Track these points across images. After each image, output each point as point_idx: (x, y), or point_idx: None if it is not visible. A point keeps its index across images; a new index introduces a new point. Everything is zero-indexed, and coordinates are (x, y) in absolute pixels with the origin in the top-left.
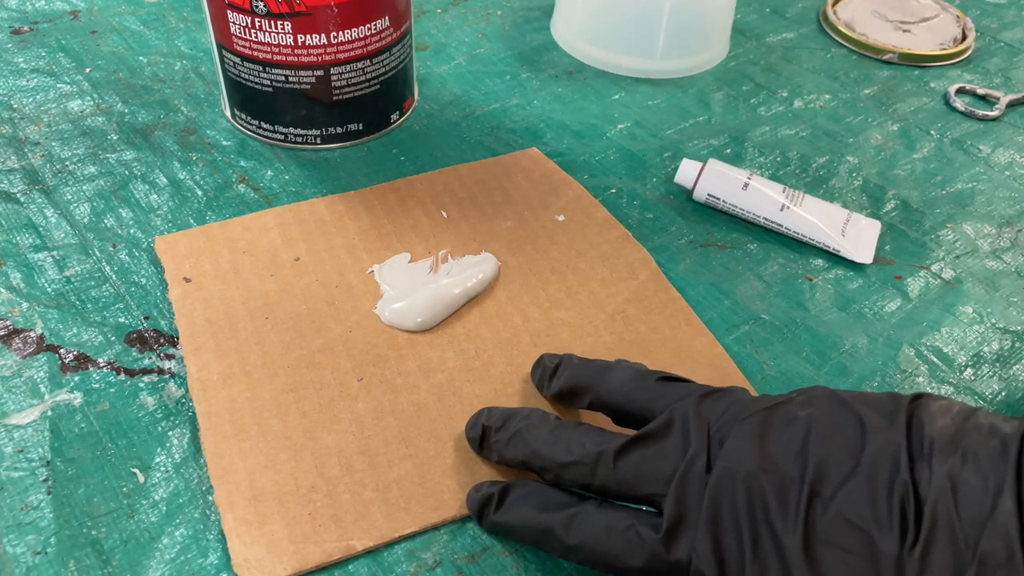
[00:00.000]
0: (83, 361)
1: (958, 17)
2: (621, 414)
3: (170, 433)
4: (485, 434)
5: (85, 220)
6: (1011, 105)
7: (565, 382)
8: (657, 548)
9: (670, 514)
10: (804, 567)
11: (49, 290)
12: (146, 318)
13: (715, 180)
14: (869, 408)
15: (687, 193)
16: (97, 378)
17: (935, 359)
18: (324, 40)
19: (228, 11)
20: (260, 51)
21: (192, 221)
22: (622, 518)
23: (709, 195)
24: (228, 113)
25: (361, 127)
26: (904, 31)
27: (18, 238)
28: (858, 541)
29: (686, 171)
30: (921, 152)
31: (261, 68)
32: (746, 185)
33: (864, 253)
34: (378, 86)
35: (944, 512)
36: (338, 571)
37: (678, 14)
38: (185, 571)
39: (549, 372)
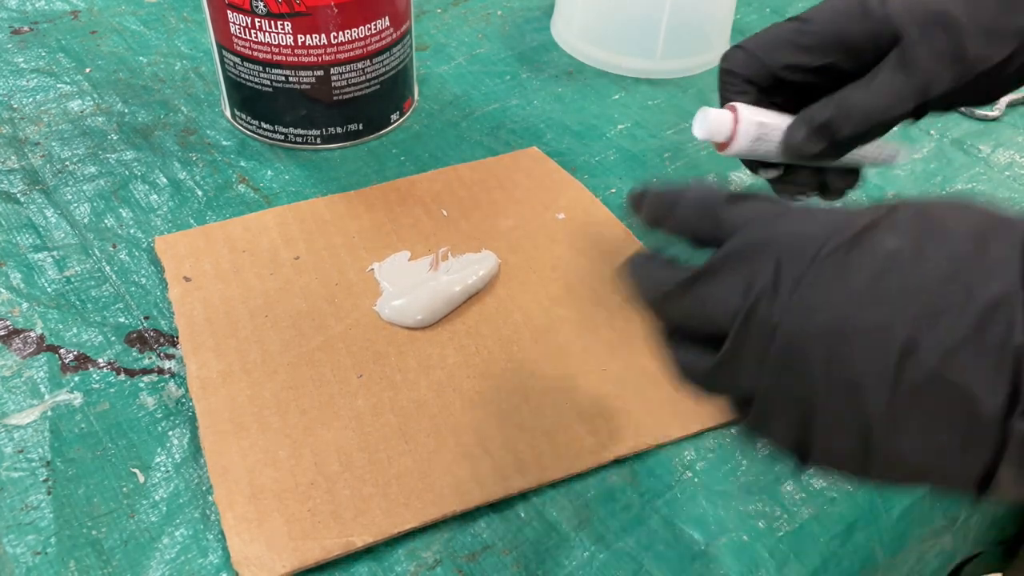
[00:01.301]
0: (83, 361)
1: None
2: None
3: (170, 433)
4: None
5: (85, 220)
6: (1011, 105)
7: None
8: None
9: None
10: (889, 428)
11: (49, 290)
12: (146, 318)
13: (757, 123)
14: (973, 245)
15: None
16: (97, 378)
17: None
18: (324, 40)
19: (228, 11)
20: (260, 51)
21: (192, 221)
22: None
23: (756, 139)
24: (228, 113)
25: (361, 127)
26: None
27: (18, 238)
28: (957, 402)
29: (714, 121)
30: (921, 152)
31: (261, 68)
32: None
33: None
34: (378, 86)
35: None
36: (338, 571)
37: (678, 14)
38: (185, 571)
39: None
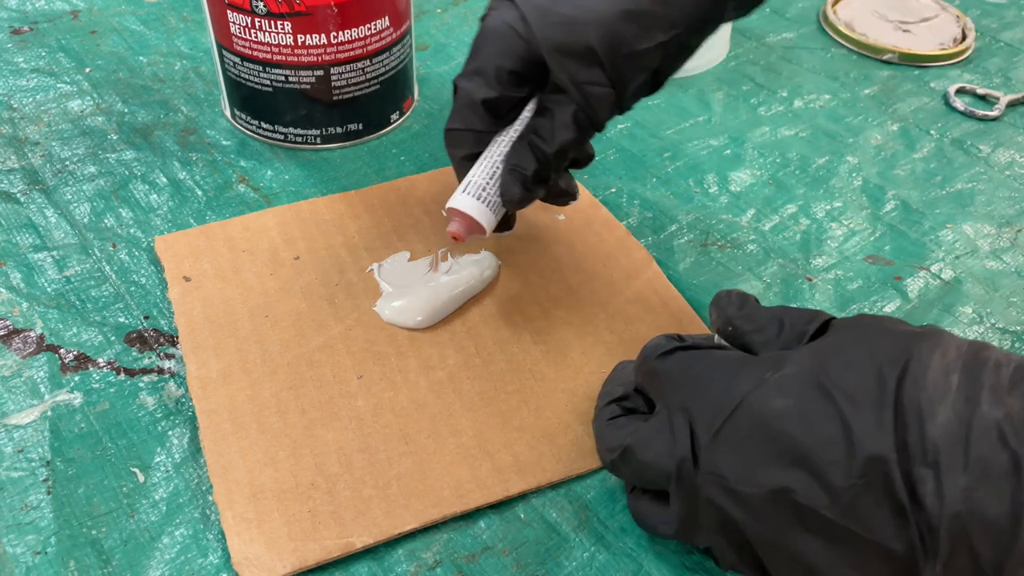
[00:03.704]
0: (83, 361)
1: (958, 17)
2: None
3: (170, 433)
4: None
5: (85, 220)
6: (1011, 105)
7: None
8: None
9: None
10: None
11: (49, 290)
12: (146, 318)
13: (479, 209)
14: (851, 399)
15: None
16: (97, 378)
17: None
18: (324, 40)
19: (228, 11)
20: (260, 51)
21: (192, 221)
22: None
23: (491, 210)
24: (228, 113)
25: (361, 127)
26: (904, 31)
27: (18, 238)
28: (871, 552)
29: (469, 227)
30: (921, 152)
31: (261, 68)
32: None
33: None
34: (378, 86)
35: (962, 537)
36: (338, 571)
37: None
38: (185, 571)
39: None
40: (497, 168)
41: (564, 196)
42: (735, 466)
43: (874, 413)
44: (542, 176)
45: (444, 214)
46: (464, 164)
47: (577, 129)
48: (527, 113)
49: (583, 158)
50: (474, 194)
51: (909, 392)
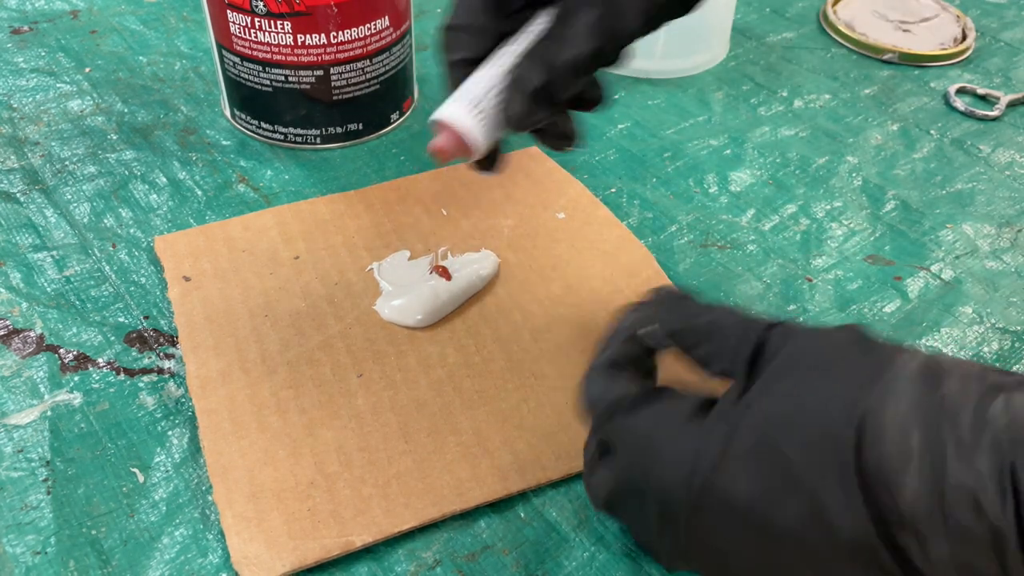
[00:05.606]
0: (83, 361)
1: (958, 17)
2: None
3: (170, 433)
4: None
5: (85, 220)
6: (1011, 105)
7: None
8: None
9: None
10: None
11: (49, 290)
12: (146, 317)
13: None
14: (815, 471)
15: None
16: (97, 378)
17: None
18: (324, 40)
19: (228, 11)
20: (260, 51)
21: (192, 221)
22: None
23: (485, 129)
24: (228, 113)
25: (361, 127)
26: (904, 31)
27: (18, 238)
28: None
29: (454, 145)
30: (921, 152)
31: (261, 68)
32: None
33: None
34: (378, 86)
35: None
36: (338, 571)
37: None
38: (185, 571)
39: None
40: (497, 81)
41: (563, 140)
42: (712, 554)
43: (841, 488)
44: (550, 92)
45: (429, 126)
46: (457, 70)
47: (596, 40)
48: (537, 26)
49: (591, 98)
50: (467, 105)
51: (870, 459)
